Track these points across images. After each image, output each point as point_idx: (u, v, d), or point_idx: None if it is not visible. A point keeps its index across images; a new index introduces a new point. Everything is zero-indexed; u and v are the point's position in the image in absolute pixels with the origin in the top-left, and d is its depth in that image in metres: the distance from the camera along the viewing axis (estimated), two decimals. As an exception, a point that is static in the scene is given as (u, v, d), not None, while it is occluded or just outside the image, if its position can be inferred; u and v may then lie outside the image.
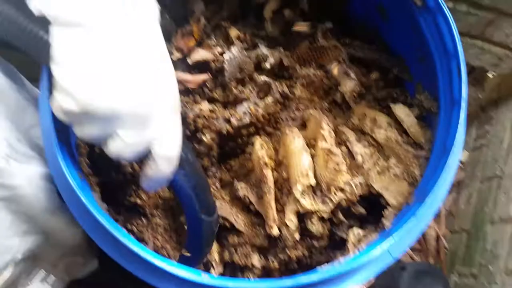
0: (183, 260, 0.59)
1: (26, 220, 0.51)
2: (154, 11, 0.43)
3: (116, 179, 0.67)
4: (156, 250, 0.73)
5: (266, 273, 0.70)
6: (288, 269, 0.71)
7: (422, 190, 0.51)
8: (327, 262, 0.71)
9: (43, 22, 0.38)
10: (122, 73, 0.38)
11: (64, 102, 0.37)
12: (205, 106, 0.72)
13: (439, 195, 0.47)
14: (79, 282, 0.82)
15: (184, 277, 0.44)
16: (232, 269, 0.71)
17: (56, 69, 0.37)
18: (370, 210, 0.66)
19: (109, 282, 0.99)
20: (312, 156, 0.63)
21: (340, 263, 0.46)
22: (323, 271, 0.45)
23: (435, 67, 0.57)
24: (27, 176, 0.49)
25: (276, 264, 0.68)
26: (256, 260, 0.67)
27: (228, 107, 0.75)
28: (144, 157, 0.43)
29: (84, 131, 0.40)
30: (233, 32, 0.72)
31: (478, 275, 0.99)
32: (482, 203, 1.06)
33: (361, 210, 0.65)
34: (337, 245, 0.70)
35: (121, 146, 0.40)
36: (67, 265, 0.70)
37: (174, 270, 0.44)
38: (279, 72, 0.76)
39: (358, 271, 0.47)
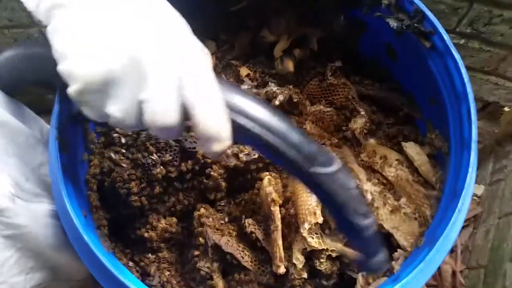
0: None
1: (33, 257, 0.51)
2: None
3: (124, 213, 0.68)
4: (162, 285, 0.72)
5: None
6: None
7: (432, 233, 0.49)
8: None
9: None
10: (109, 30, 0.32)
11: (67, 67, 0.32)
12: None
13: (449, 239, 0.46)
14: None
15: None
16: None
17: (54, 38, 0.33)
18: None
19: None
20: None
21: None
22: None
23: (445, 108, 0.57)
24: (33, 214, 0.49)
25: (283, 304, 0.66)
26: (262, 298, 0.66)
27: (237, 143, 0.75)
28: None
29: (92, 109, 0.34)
30: (244, 71, 0.73)
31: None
32: (500, 239, 1.02)
33: (371, 250, 0.64)
34: (347, 284, 0.68)
35: (118, 108, 0.33)
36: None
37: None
38: (289, 108, 0.77)
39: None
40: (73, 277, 0.62)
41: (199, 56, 0.34)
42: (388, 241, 0.61)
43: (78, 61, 0.32)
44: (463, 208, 0.47)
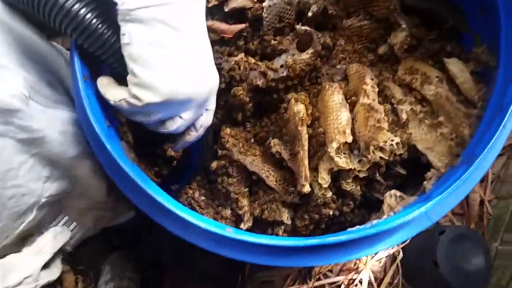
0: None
1: (49, 165, 0.51)
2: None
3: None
4: (188, 202, 0.73)
5: (295, 231, 0.69)
6: (318, 228, 0.69)
7: (470, 152, 0.46)
8: (360, 223, 0.69)
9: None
10: (194, 62, 0.44)
11: (145, 95, 0.42)
12: (240, 58, 0.69)
13: (489, 158, 0.43)
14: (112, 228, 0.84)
15: (208, 229, 0.43)
16: (261, 225, 0.70)
17: (137, 67, 0.41)
18: (410, 172, 0.62)
19: (144, 227, 1.03)
20: (352, 113, 0.59)
21: (372, 225, 0.44)
22: (353, 232, 0.42)
23: (498, 17, 0.50)
24: (50, 119, 0.48)
25: (306, 222, 0.66)
26: (285, 217, 0.66)
27: (265, 60, 0.71)
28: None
29: (149, 118, 0.45)
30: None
31: (524, 244, 0.93)
32: (535, 170, 0.98)
33: (401, 170, 0.62)
34: (371, 206, 0.67)
35: (180, 124, 0.48)
36: (94, 217, 0.72)
37: (198, 223, 0.43)
38: (323, 22, 0.71)
39: (391, 233, 0.44)
40: (91, 194, 0.62)
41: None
42: (420, 164, 0.59)
43: (168, 77, 0.42)
44: (509, 124, 0.43)
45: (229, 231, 0.43)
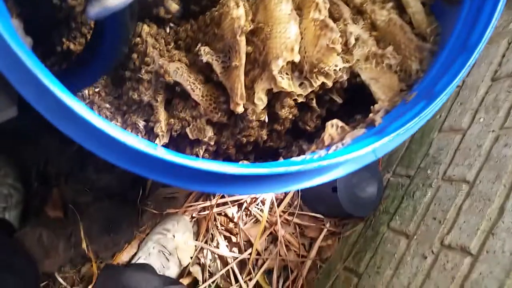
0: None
1: None
2: None
3: (46, 13, 0.52)
4: (91, 106, 0.62)
5: (216, 152, 0.63)
6: (240, 151, 0.64)
7: (427, 88, 0.43)
8: (284, 147, 0.66)
9: None
10: None
11: None
12: None
13: (447, 96, 0.41)
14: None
15: (134, 148, 0.34)
16: (178, 142, 0.63)
17: None
18: (345, 101, 0.59)
19: (28, 131, 0.89)
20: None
21: (321, 156, 0.40)
22: (302, 162, 0.38)
23: None
24: None
25: (231, 144, 0.61)
26: (209, 136, 0.59)
27: None
28: None
29: None
30: None
31: (414, 177, 1.01)
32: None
33: (337, 99, 0.58)
34: (298, 132, 0.64)
35: None
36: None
37: (122, 138, 0.34)
38: None
39: (337, 166, 0.41)
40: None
41: None
42: (362, 93, 0.56)
43: None
44: (471, 62, 0.40)
45: (161, 152, 0.35)
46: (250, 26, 0.53)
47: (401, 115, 0.42)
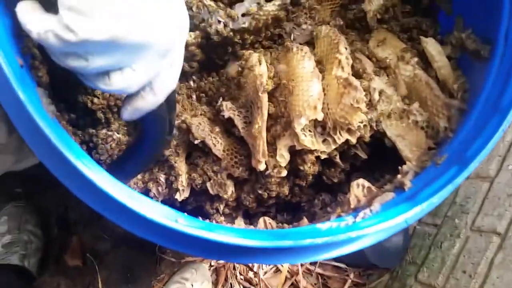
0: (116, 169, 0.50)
1: None
2: None
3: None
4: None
5: (237, 206, 0.62)
6: (262, 205, 0.63)
7: (458, 151, 0.42)
8: (307, 201, 0.64)
9: None
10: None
11: (81, 27, 0.28)
12: (195, -3, 0.57)
13: (480, 161, 0.39)
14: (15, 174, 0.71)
15: (153, 221, 0.33)
16: (199, 196, 0.61)
17: None
18: (370, 157, 0.58)
19: (48, 178, 0.89)
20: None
21: (348, 225, 0.38)
22: (328, 233, 0.36)
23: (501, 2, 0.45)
24: None
25: (251, 198, 0.59)
26: (230, 192, 0.58)
27: (223, 3, 0.60)
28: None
29: (87, 63, 0.31)
30: None
31: (441, 226, 0.97)
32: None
33: (362, 154, 0.57)
34: (322, 186, 0.62)
35: (131, 79, 0.34)
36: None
37: (141, 210, 0.33)
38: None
39: (363, 237, 0.39)
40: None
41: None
42: (384, 148, 0.54)
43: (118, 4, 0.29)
44: (505, 127, 0.39)
45: (182, 222, 0.34)
46: (272, 85, 0.53)
47: (432, 180, 0.40)
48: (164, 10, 0.32)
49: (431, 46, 0.55)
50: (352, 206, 0.45)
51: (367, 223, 0.37)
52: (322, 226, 0.38)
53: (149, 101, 0.37)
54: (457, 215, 0.96)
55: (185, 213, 0.58)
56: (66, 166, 0.32)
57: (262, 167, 0.52)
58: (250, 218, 0.64)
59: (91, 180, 0.32)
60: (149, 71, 0.34)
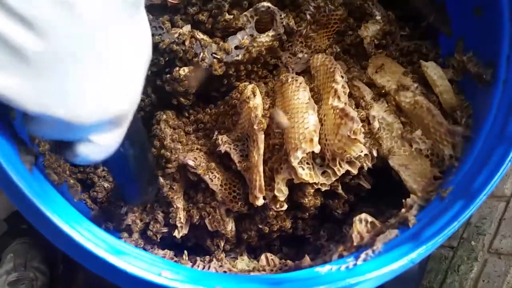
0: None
1: None
2: None
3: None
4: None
5: (238, 242, 0.60)
6: (263, 239, 0.60)
7: (464, 183, 0.39)
8: (311, 233, 0.62)
9: None
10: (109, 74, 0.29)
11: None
12: (187, 31, 0.56)
13: (487, 194, 0.36)
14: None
15: (139, 276, 0.31)
16: (199, 232, 0.59)
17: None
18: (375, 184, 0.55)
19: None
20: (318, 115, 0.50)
21: (349, 268, 0.35)
22: (330, 280, 0.34)
23: (500, 20, 0.43)
24: None
25: (253, 234, 0.57)
26: (229, 228, 0.56)
27: (215, 36, 0.59)
28: None
29: (47, 133, 0.30)
30: None
31: (457, 249, 0.93)
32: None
33: (365, 184, 0.54)
34: (327, 216, 0.60)
35: (94, 149, 0.32)
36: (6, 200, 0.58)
37: (124, 266, 0.31)
38: (289, 4, 0.60)
39: (364, 282, 0.36)
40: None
41: None
42: (389, 179, 0.52)
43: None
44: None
45: (166, 275, 0.32)
46: (267, 115, 0.51)
47: (437, 216, 0.37)
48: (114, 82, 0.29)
49: (432, 70, 0.53)
50: (354, 244, 0.42)
51: (368, 266, 0.35)
52: (322, 269, 0.36)
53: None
54: (473, 237, 0.92)
55: (185, 250, 0.57)
56: (43, 221, 0.31)
57: (259, 202, 0.50)
58: (255, 251, 0.62)
59: (69, 235, 0.30)
60: (109, 140, 0.32)
